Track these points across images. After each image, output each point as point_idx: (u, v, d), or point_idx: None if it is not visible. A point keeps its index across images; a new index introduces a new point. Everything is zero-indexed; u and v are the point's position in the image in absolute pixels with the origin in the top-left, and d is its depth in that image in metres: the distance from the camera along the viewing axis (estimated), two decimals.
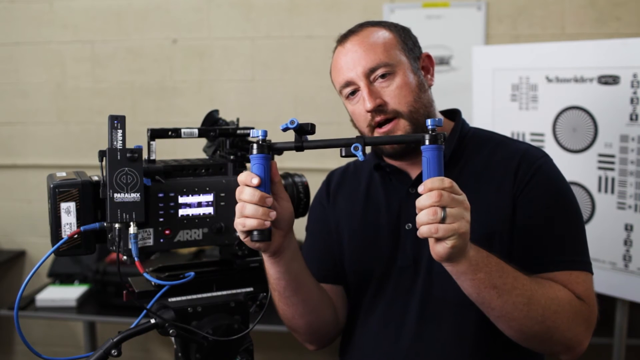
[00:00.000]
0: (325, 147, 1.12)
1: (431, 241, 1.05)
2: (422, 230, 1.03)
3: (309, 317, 1.36)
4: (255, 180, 1.08)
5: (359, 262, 1.42)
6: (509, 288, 1.15)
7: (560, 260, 1.27)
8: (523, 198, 1.29)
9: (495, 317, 1.19)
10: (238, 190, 1.10)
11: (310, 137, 1.14)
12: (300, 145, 1.11)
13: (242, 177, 1.10)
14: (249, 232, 1.10)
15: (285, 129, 1.10)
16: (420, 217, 1.03)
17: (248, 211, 1.08)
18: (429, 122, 1.06)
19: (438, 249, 1.04)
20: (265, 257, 1.22)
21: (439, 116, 1.41)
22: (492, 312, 1.18)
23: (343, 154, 1.09)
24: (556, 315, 1.19)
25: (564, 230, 1.29)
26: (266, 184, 1.09)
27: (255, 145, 1.09)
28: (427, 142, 1.04)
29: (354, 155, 1.08)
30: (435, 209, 1.01)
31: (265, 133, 1.09)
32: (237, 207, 1.10)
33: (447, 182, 1.02)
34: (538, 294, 1.18)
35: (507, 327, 1.21)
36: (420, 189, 1.03)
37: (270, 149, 1.10)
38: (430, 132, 1.05)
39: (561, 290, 1.23)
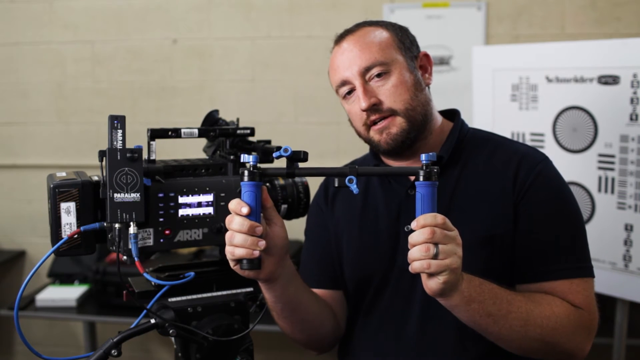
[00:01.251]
0: (316, 175, 1.12)
1: (424, 277, 1.06)
2: (415, 266, 1.04)
3: (308, 332, 1.38)
4: (245, 209, 1.06)
5: (359, 265, 1.41)
6: (504, 313, 1.16)
7: (561, 268, 1.27)
8: (524, 205, 1.29)
9: (493, 340, 1.21)
10: (228, 218, 1.08)
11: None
12: (292, 172, 1.09)
13: (232, 206, 1.08)
14: (238, 261, 1.09)
15: (278, 157, 1.09)
16: (413, 253, 1.03)
17: (237, 240, 1.06)
18: (423, 157, 1.05)
19: (431, 285, 1.05)
20: (259, 283, 1.21)
21: (437, 115, 1.40)
22: (490, 336, 1.20)
23: (336, 184, 1.08)
24: (554, 331, 1.21)
25: (565, 238, 1.29)
26: (257, 212, 1.07)
27: (246, 173, 1.07)
28: (421, 178, 1.04)
29: (347, 187, 1.07)
30: (428, 246, 1.02)
31: (256, 159, 1.07)
32: (227, 236, 1.08)
33: (439, 218, 1.03)
34: (534, 314, 1.19)
35: (507, 347, 1.23)
36: (413, 225, 1.03)
37: (261, 176, 1.08)
38: (424, 167, 1.04)
39: (558, 306, 1.23)
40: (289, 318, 1.31)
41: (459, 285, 1.09)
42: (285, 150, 1.07)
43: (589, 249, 1.33)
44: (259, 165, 1.07)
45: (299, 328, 1.35)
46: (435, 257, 1.02)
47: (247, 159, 1.07)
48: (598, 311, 1.29)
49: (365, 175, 1.11)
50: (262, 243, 1.07)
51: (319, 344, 1.44)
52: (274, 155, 1.09)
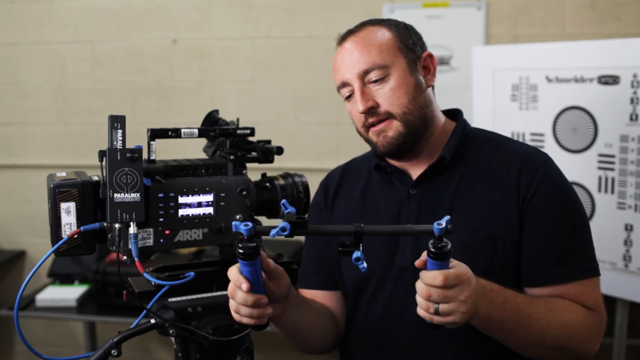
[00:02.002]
0: (318, 235, 1.09)
1: None
2: (422, 314, 1.07)
3: (314, 347, 1.43)
4: (245, 286, 1.04)
5: (357, 269, 1.41)
6: (524, 328, 1.18)
7: (572, 270, 1.28)
8: (530, 210, 1.29)
9: (510, 347, 1.24)
10: (230, 288, 1.08)
11: None
12: (291, 234, 1.00)
13: (232, 276, 1.06)
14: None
15: (275, 235, 0.99)
16: (419, 302, 1.06)
17: (243, 312, 1.08)
18: (435, 227, 0.96)
19: None
20: None
21: (440, 115, 1.39)
22: (508, 346, 1.23)
23: (340, 253, 1.02)
24: (572, 338, 1.23)
25: (573, 240, 1.30)
26: (259, 283, 1.06)
27: (241, 252, 1.00)
28: (432, 254, 0.99)
29: (353, 262, 1.01)
30: (428, 304, 1.04)
31: (250, 230, 0.98)
32: (231, 305, 1.09)
33: (438, 280, 1.02)
34: (553, 324, 1.21)
35: (523, 353, 1.25)
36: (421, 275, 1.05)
37: (257, 252, 1.01)
38: (435, 245, 0.99)
39: (575, 311, 1.25)
40: (294, 339, 1.37)
41: (474, 316, 1.10)
42: (283, 229, 0.98)
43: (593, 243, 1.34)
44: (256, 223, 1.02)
45: (304, 345, 1.41)
46: (436, 313, 1.04)
47: (241, 228, 0.99)
48: (605, 309, 1.31)
49: (372, 234, 1.05)
50: (269, 311, 1.09)
51: (321, 350, 1.47)
52: (271, 235, 0.99)
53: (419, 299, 1.06)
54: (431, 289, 1.03)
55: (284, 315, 1.21)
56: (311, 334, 1.38)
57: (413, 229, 1.07)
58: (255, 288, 1.06)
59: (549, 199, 1.29)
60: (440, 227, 0.96)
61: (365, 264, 1.00)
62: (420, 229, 1.02)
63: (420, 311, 1.06)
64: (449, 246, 0.99)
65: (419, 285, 1.05)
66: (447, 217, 0.97)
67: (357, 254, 1.00)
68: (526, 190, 1.29)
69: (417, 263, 1.06)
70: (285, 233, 0.99)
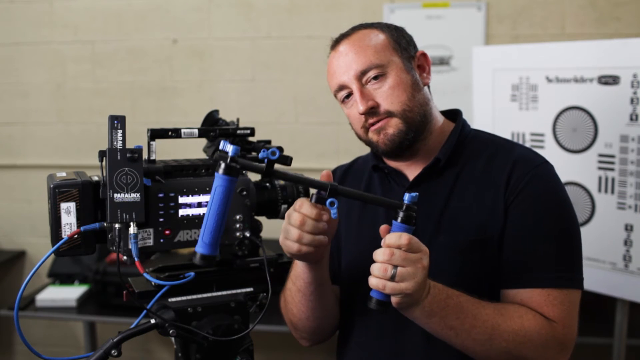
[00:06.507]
0: (295, 182, 1.11)
1: None
2: (371, 282, 1.07)
3: (321, 320, 1.40)
4: (326, 217, 1.11)
5: (356, 263, 1.42)
6: (468, 327, 1.17)
7: (538, 277, 1.25)
8: (513, 208, 1.27)
9: (458, 349, 1.22)
10: (297, 219, 1.11)
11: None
12: (270, 172, 1.05)
13: (307, 209, 1.11)
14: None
15: (263, 158, 1.04)
16: (373, 269, 1.06)
17: (305, 240, 1.12)
18: (406, 197, 1.05)
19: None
20: (303, 264, 1.25)
21: (438, 115, 1.39)
22: (454, 346, 1.21)
23: (313, 200, 1.08)
24: (522, 346, 1.20)
25: (549, 246, 1.26)
26: (226, 211, 1.03)
27: (223, 165, 1.01)
28: (398, 219, 1.07)
29: (327, 207, 1.07)
30: (386, 266, 1.05)
31: (237, 150, 1.01)
32: (292, 234, 1.13)
33: (403, 239, 1.05)
34: (501, 328, 1.19)
35: (473, 356, 1.23)
36: (382, 242, 1.07)
37: (238, 171, 1.01)
38: (404, 209, 1.05)
39: (529, 320, 1.21)
40: (313, 302, 1.33)
41: (420, 302, 1.11)
42: (273, 153, 1.03)
43: (582, 261, 1.29)
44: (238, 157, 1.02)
45: (317, 314, 1.37)
46: (392, 278, 1.04)
47: (227, 148, 1.02)
48: (576, 325, 1.26)
49: (345, 196, 1.10)
50: (325, 240, 1.15)
51: (319, 334, 1.45)
52: (260, 156, 1.04)
53: (375, 266, 1.06)
54: (395, 249, 1.04)
55: (324, 260, 1.24)
56: (329, 300, 1.37)
57: (384, 200, 1.12)
58: (222, 214, 1.03)
59: (533, 199, 1.27)
60: (412, 195, 1.06)
61: (336, 212, 1.07)
62: (390, 202, 1.09)
63: (373, 280, 1.06)
64: (415, 213, 1.06)
65: (378, 251, 1.06)
66: (416, 194, 1.07)
67: (331, 199, 1.07)
68: (513, 189, 1.28)
69: (382, 228, 1.08)
70: (275, 157, 1.03)
